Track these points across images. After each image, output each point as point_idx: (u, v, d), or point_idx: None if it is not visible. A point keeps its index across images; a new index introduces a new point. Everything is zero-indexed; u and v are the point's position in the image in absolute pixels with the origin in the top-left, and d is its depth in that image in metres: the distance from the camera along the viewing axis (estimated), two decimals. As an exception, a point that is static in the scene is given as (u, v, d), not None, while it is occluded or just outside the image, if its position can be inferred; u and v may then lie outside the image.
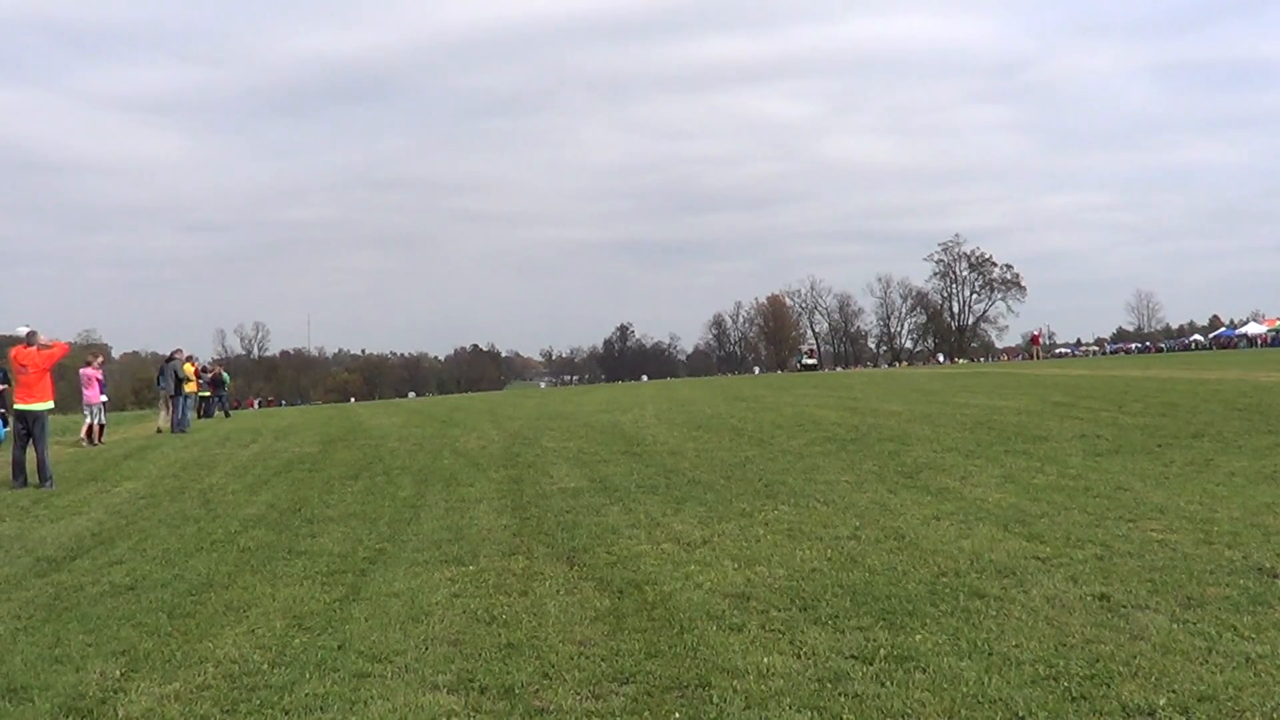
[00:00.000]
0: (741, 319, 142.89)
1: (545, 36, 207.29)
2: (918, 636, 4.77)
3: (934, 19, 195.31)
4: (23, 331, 13.11)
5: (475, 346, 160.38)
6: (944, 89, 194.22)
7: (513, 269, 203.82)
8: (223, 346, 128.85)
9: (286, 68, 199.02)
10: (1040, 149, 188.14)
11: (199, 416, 27.96)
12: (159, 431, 22.19)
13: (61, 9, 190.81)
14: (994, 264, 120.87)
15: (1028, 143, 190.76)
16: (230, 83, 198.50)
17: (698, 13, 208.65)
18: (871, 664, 4.44)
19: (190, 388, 25.35)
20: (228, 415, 32.08)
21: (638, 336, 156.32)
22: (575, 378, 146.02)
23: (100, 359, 21.73)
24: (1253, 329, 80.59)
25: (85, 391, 19.81)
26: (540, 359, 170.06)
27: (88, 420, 19.77)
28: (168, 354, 25.54)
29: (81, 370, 20.24)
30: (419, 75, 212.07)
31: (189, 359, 27.26)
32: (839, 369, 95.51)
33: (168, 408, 23.34)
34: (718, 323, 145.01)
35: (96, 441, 19.33)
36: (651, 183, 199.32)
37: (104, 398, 20.34)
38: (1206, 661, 4.29)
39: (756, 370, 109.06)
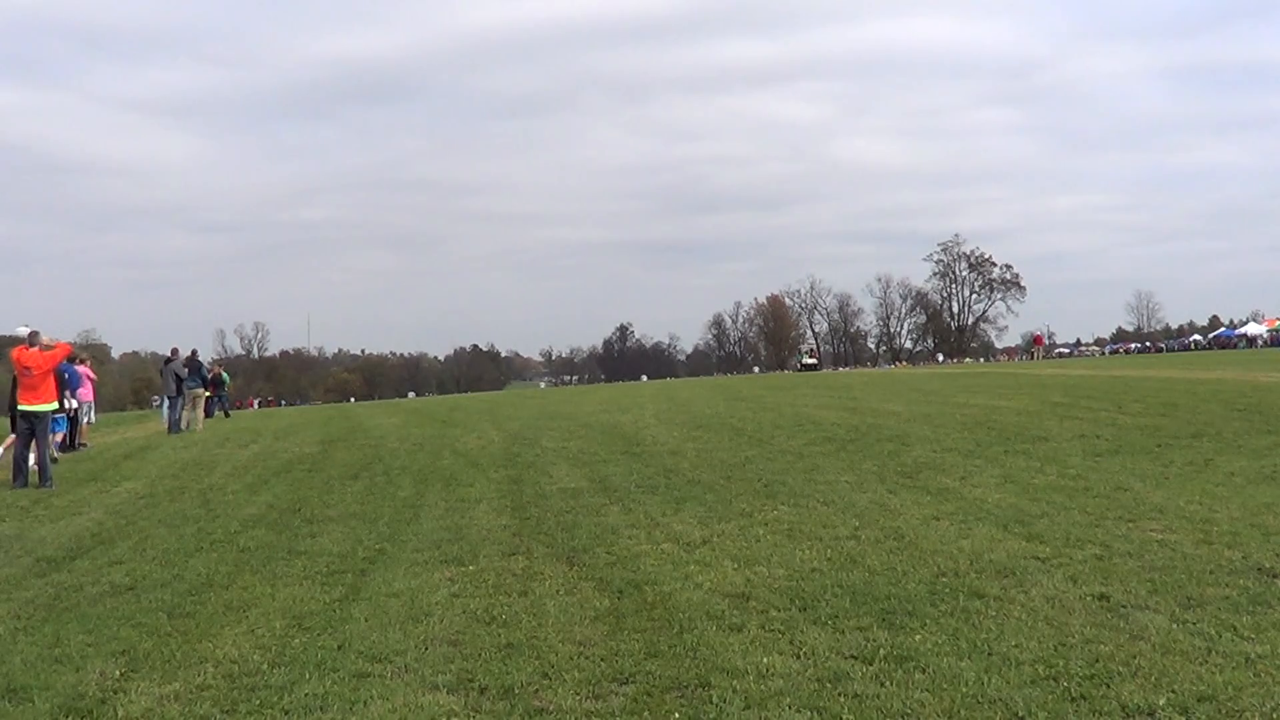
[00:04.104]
0: (741, 319, 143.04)
1: (562, 39, 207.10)
2: (917, 636, 4.77)
3: (949, 22, 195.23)
4: (24, 332, 13.09)
5: (475, 346, 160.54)
6: (956, 91, 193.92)
7: (513, 269, 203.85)
8: (222, 346, 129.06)
9: (302, 69, 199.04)
10: (1050, 151, 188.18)
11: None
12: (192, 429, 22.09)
13: (78, 10, 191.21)
14: (993, 264, 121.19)
15: (1037, 145, 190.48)
16: (246, 84, 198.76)
17: (715, 15, 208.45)
18: (871, 664, 4.44)
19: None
20: (228, 415, 32.08)
21: (637, 336, 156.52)
22: (575, 378, 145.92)
23: (88, 360, 22.07)
24: (1252, 329, 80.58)
25: (79, 389, 19.94)
26: (540, 359, 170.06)
27: (85, 420, 19.85)
28: (166, 355, 25.42)
29: (77, 368, 20.38)
30: (435, 77, 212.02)
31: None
32: (839, 369, 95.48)
33: (192, 406, 23.27)
34: (717, 323, 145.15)
35: (81, 439, 19.42)
36: (660, 183, 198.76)
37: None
38: (1206, 661, 4.29)
39: (756, 370, 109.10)
